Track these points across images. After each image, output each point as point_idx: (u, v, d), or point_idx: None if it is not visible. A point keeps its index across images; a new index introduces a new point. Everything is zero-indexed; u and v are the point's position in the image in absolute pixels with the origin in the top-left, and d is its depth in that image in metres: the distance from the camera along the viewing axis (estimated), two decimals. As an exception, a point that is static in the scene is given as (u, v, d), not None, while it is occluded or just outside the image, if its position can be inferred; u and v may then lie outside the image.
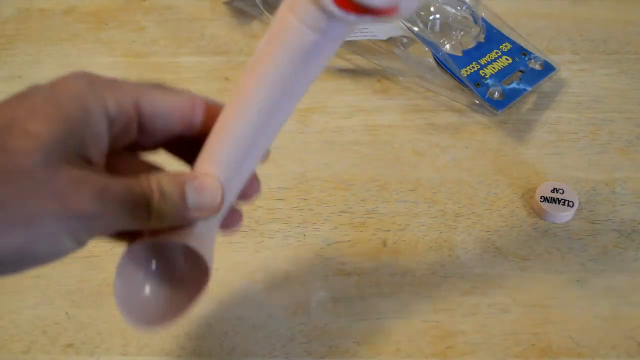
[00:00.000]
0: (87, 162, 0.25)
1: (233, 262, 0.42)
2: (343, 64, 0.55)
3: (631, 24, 0.58)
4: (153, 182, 0.26)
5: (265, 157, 0.31)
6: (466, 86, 0.49)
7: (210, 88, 0.53)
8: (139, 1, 0.61)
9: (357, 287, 0.41)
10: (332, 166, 0.47)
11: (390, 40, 0.52)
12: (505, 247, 0.43)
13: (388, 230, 0.43)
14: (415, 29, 0.52)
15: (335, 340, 0.38)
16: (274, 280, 0.41)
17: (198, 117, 0.29)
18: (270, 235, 0.43)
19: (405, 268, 0.42)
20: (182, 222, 0.27)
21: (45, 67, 0.55)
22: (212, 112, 0.29)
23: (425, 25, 0.52)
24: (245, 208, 0.45)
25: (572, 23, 0.58)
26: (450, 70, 0.50)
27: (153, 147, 0.30)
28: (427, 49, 0.51)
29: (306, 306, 0.40)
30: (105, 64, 0.55)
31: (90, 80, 0.27)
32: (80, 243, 0.25)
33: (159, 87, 0.28)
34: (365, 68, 0.54)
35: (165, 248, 0.30)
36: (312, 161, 0.48)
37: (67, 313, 0.40)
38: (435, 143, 0.49)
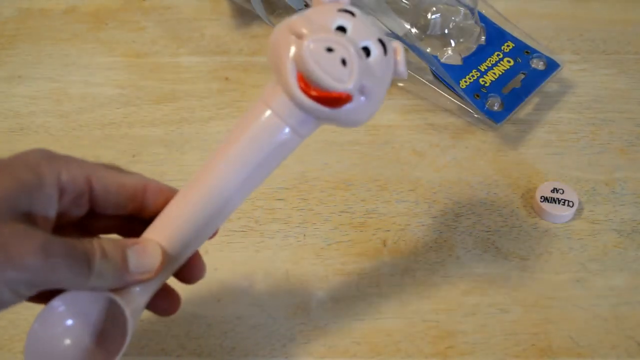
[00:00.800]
0: (34, 223, 0.26)
1: (233, 262, 0.42)
2: (343, 64, 0.55)
3: (631, 24, 0.58)
4: (95, 243, 0.27)
5: (213, 235, 0.32)
6: (464, 99, 0.49)
7: (210, 88, 0.53)
8: (139, 1, 0.61)
9: (357, 287, 0.41)
10: (332, 166, 0.47)
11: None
12: (505, 247, 0.43)
13: (388, 230, 0.43)
14: (414, 30, 0.52)
15: (335, 340, 0.38)
16: (274, 280, 0.41)
17: (149, 199, 0.30)
18: (270, 235, 0.43)
19: (405, 268, 0.42)
20: (122, 283, 0.28)
21: (45, 67, 0.55)
22: (163, 196, 0.30)
23: (426, 27, 0.52)
24: (245, 208, 0.45)
25: (572, 23, 0.58)
26: (448, 84, 0.49)
27: (104, 228, 0.31)
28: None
29: (306, 306, 0.40)
30: (105, 64, 0.55)
31: (48, 154, 0.28)
32: (20, 296, 0.26)
33: (113, 167, 0.30)
34: (365, 68, 0.54)
35: (88, 301, 0.30)
36: (312, 161, 0.48)
37: (67, 313, 0.40)
38: (435, 143, 0.49)
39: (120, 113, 0.51)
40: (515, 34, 0.53)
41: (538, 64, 0.51)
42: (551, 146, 0.49)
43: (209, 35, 0.57)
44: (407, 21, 0.52)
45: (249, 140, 0.30)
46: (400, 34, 0.50)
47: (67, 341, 0.30)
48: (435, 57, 0.51)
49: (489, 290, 0.41)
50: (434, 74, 0.50)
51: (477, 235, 0.43)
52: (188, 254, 0.31)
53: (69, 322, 0.30)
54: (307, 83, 0.28)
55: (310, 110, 0.28)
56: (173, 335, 0.39)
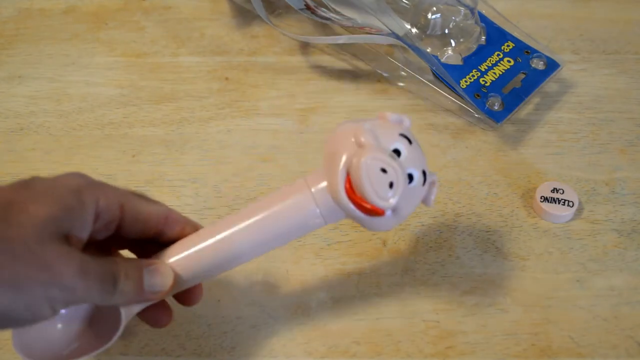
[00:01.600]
0: (69, 243, 0.29)
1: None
2: (343, 64, 0.55)
3: (631, 24, 0.58)
4: (120, 264, 0.30)
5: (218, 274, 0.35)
6: (464, 99, 0.49)
7: (210, 88, 0.53)
8: (139, 1, 0.61)
9: (357, 287, 0.41)
10: (332, 166, 0.47)
11: (391, 45, 0.52)
12: (505, 247, 0.43)
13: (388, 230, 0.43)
14: (414, 30, 0.52)
15: (335, 340, 0.38)
16: (274, 280, 0.41)
17: (168, 227, 0.33)
18: (270, 235, 0.43)
19: (405, 268, 0.42)
20: (137, 301, 0.32)
21: (45, 67, 0.55)
22: (180, 226, 0.34)
23: (426, 27, 0.52)
24: (245, 208, 0.45)
25: (572, 23, 0.58)
26: (448, 84, 0.49)
27: (119, 246, 0.34)
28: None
29: (306, 306, 0.40)
30: (105, 64, 0.55)
31: (88, 180, 0.31)
32: (55, 311, 0.28)
33: (141, 196, 0.33)
34: (365, 69, 0.54)
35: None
36: (312, 161, 0.48)
37: (67, 313, 0.40)
38: (435, 143, 0.49)
39: (120, 113, 0.51)
40: (516, 34, 0.53)
41: (538, 64, 0.51)
42: (551, 146, 0.49)
43: (209, 35, 0.57)
44: (407, 21, 0.52)
45: (280, 211, 0.33)
46: (401, 34, 0.50)
47: (59, 325, 0.32)
48: (436, 57, 0.51)
49: (489, 290, 0.41)
50: (434, 74, 0.50)
51: (477, 235, 0.43)
52: (192, 284, 0.34)
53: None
54: (352, 188, 0.31)
55: (344, 208, 0.32)
56: (173, 335, 0.39)
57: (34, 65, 0.55)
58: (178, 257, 0.33)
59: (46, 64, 0.55)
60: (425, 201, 0.34)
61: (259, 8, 0.55)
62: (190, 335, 0.39)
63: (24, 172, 0.47)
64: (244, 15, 0.59)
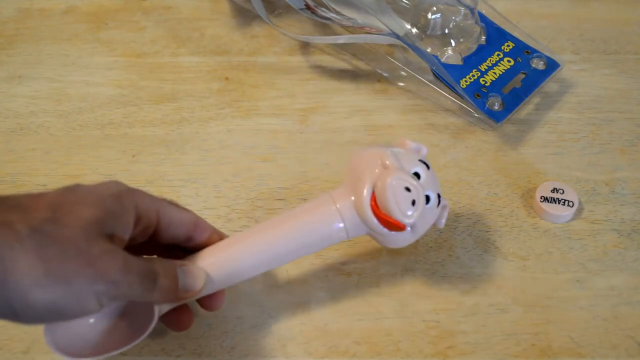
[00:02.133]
0: (113, 243, 0.31)
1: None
2: (343, 64, 0.55)
3: (631, 24, 0.58)
4: (157, 263, 0.32)
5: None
6: (464, 98, 0.49)
7: (210, 88, 0.53)
8: (139, 1, 0.61)
9: (357, 287, 0.41)
10: (332, 166, 0.47)
11: (391, 44, 0.52)
12: (505, 247, 0.43)
13: (388, 230, 0.43)
14: (414, 30, 0.52)
15: (335, 340, 0.38)
16: (274, 280, 0.41)
17: (197, 233, 0.35)
18: (270, 235, 0.43)
19: (405, 268, 0.42)
20: (173, 299, 0.33)
21: (45, 67, 0.55)
22: (208, 233, 0.36)
23: (426, 27, 0.52)
24: (245, 208, 0.45)
25: (572, 23, 0.58)
26: (448, 83, 0.49)
27: (151, 253, 0.36)
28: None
29: (306, 306, 0.40)
30: (105, 64, 0.55)
31: (127, 187, 0.33)
32: (101, 305, 0.29)
33: (173, 203, 0.35)
34: (365, 68, 0.54)
35: None
36: (312, 161, 0.48)
37: (67, 313, 0.40)
38: (435, 143, 0.49)
39: (120, 113, 0.51)
40: (516, 33, 0.53)
41: (538, 64, 0.51)
42: (551, 146, 0.49)
43: (209, 35, 0.57)
44: (407, 21, 0.52)
45: (306, 224, 0.36)
46: (401, 34, 0.50)
47: (91, 320, 0.34)
48: (436, 56, 0.51)
49: (489, 290, 0.41)
50: (434, 74, 0.50)
51: (477, 235, 0.43)
52: (217, 288, 0.35)
53: None
54: (377, 204, 0.34)
55: (369, 223, 0.35)
56: (173, 335, 0.39)
57: (34, 65, 0.55)
58: (207, 262, 0.35)
59: (46, 64, 0.55)
60: (437, 222, 0.37)
61: (259, 8, 0.55)
62: (190, 335, 0.39)
63: (24, 172, 0.47)
64: (244, 15, 0.59)
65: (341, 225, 0.35)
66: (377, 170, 0.35)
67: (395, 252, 0.42)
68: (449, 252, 0.42)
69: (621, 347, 0.38)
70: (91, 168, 0.47)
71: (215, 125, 0.50)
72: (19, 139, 0.49)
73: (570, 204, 0.44)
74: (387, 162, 0.35)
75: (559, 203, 0.44)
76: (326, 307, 0.40)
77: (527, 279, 0.41)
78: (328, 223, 0.35)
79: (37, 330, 0.39)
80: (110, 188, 0.32)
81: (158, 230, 0.34)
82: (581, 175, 0.47)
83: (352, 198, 0.35)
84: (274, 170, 0.47)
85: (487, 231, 0.44)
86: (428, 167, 0.36)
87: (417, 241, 0.43)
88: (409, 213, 0.34)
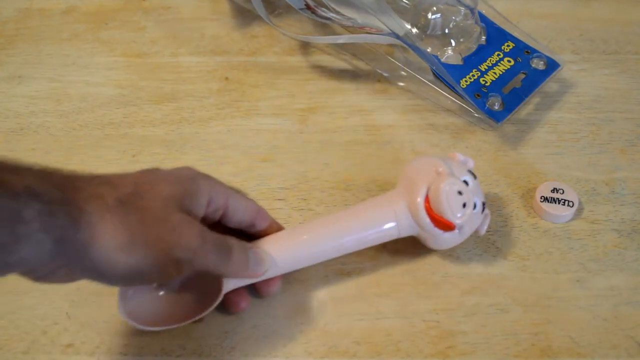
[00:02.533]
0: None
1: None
2: (343, 64, 0.55)
3: (631, 24, 0.58)
4: (230, 239, 0.35)
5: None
6: (465, 98, 0.49)
7: (210, 88, 0.53)
8: (139, 1, 0.61)
9: (357, 287, 0.41)
10: (332, 166, 0.47)
11: (391, 44, 0.52)
12: (505, 247, 0.43)
13: (388, 230, 0.43)
14: (414, 30, 0.52)
15: (335, 340, 0.38)
16: (274, 280, 0.41)
17: (258, 221, 0.38)
18: (270, 235, 0.43)
19: (405, 268, 0.42)
20: (243, 275, 0.36)
21: (45, 67, 0.55)
22: (267, 221, 0.39)
23: (426, 27, 0.52)
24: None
25: (572, 23, 0.58)
26: (448, 83, 0.49)
27: (220, 232, 0.38)
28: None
29: (306, 306, 0.40)
30: (105, 64, 0.55)
31: (200, 172, 0.36)
32: (179, 272, 0.33)
33: (240, 191, 0.38)
34: (365, 68, 0.54)
35: None
36: (312, 161, 0.48)
37: (67, 313, 0.40)
38: (435, 143, 0.49)
39: (120, 113, 0.51)
40: (516, 33, 0.53)
41: (538, 64, 0.51)
42: (551, 146, 0.49)
43: (209, 35, 0.57)
44: (407, 21, 0.52)
45: (364, 219, 0.39)
46: (401, 33, 0.50)
47: (160, 293, 0.38)
48: (436, 56, 0.51)
49: (489, 290, 0.41)
50: (434, 74, 0.50)
51: (477, 235, 0.43)
52: (276, 273, 0.38)
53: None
54: (431, 206, 0.38)
55: (421, 222, 0.38)
56: (173, 335, 0.39)
57: (34, 65, 0.55)
58: (271, 247, 0.38)
59: (46, 64, 0.55)
60: (479, 228, 0.40)
61: (259, 8, 0.55)
62: (190, 335, 0.39)
63: (24, 172, 0.47)
64: (244, 15, 0.59)
65: (393, 225, 0.39)
66: (431, 177, 0.39)
67: (395, 252, 0.42)
68: (449, 252, 0.42)
69: (621, 347, 0.38)
70: (91, 168, 0.47)
71: (215, 125, 0.50)
72: (19, 139, 0.49)
73: (570, 204, 0.44)
74: (440, 170, 0.39)
75: (559, 203, 0.44)
76: (326, 307, 0.40)
77: (527, 279, 0.41)
78: (383, 223, 0.39)
79: (37, 330, 0.39)
80: (187, 171, 0.36)
81: (225, 214, 0.37)
82: (581, 175, 0.47)
83: (407, 200, 0.39)
84: (274, 170, 0.47)
85: (487, 231, 0.43)
86: (475, 177, 0.40)
87: (417, 241, 0.43)
88: (459, 214, 0.38)
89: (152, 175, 0.34)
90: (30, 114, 0.51)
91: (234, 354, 0.38)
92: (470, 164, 0.41)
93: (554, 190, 0.44)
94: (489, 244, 0.43)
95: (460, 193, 0.38)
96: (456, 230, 0.39)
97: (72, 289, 0.40)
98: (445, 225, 0.38)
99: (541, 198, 0.44)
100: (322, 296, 0.40)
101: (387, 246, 0.43)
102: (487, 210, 0.40)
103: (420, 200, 0.38)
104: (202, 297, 0.37)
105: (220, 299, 0.36)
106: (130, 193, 0.32)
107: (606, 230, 0.44)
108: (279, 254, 0.38)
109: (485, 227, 0.40)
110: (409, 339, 0.38)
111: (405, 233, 0.40)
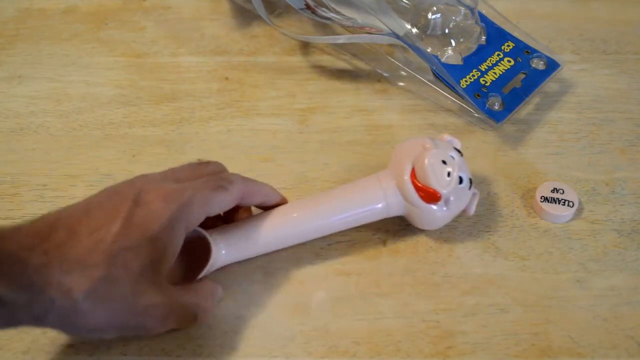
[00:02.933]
0: None
1: (233, 262, 0.42)
2: (343, 64, 0.55)
3: (631, 24, 0.58)
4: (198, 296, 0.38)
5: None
6: (465, 98, 0.49)
7: (210, 88, 0.53)
8: (139, 1, 0.61)
9: (357, 287, 0.41)
10: (332, 166, 0.47)
11: (391, 44, 0.52)
12: (505, 247, 0.43)
13: (388, 231, 0.43)
14: (414, 30, 0.52)
15: (335, 340, 0.38)
16: (274, 280, 0.41)
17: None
18: (270, 235, 0.43)
19: (405, 268, 0.42)
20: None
21: (45, 67, 0.55)
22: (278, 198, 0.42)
23: (426, 27, 0.52)
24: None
25: (572, 23, 0.58)
26: (448, 83, 0.49)
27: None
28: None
29: (306, 306, 0.40)
30: (105, 64, 0.55)
31: (179, 207, 0.36)
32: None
33: (249, 180, 0.41)
34: (365, 68, 0.54)
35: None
36: (312, 161, 0.48)
37: (67, 313, 0.40)
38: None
39: (120, 113, 0.51)
40: (516, 33, 0.53)
41: (538, 64, 0.51)
42: (551, 146, 0.49)
43: (209, 35, 0.57)
44: (407, 21, 0.52)
45: (353, 197, 0.41)
46: (401, 33, 0.50)
47: None
48: (436, 56, 0.51)
49: (489, 290, 0.41)
50: (434, 74, 0.50)
51: (477, 235, 0.43)
52: (268, 250, 0.41)
53: None
54: (416, 176, 0.39)
55: (407, 194, 0.39)
56: (173, 335, 0.39)
57: (34, 65, 0.55)
58: (262, 225, 0.40)
59: (46, 64, 0.55)
60: (467, 208, 0.41)
61: (259, 8, 0.55)
62: (190, 335, 0.39)
63: (24, 172, 0.47)
64: (244, 15, 0.59)
65: (382, 203, 0.40)
66: (417, 151, 0.40)
67: (395, 252, 0.42)
68: (449, 252, 0.42)
69: (621, 347, 0.38)
70: (91, 168, 0.47)
71: (215, 125, 0.50)
72: (19, 139, 0.49)
73: (570, 204, 0.44)
74: (427, 145, 0.40)
75: (559, 203, 0.44)
76: (326, 307, 0.40)
77: (527, 279, 0.41)
78: (372, 199, 0.40)
79: (37, 330, 0.39)
80: (160, 217, 0.34)
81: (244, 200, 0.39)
82: (581, 175, 0.47)
83: (395, 177, 0.40)
84: (274, 170, 0.47)
85: (487, 231, 0.44)
86: (461, 154, 0.41)
87: (417, 241, 0.43)
88: (445, 183, 0.39)
89: (126, 240, 0.33)
90: (30, 114, 0.51)
91: (234, 354, 0.38)
92: (457, 144, 0.42)
93: (554, 190, 0.44)
94: (489, 244, 0.43)
95: (444, 162, 0.39)
96: (443, 203, 0.39)
97: (72, 289, 0.40)
98: (431, 195, 0.39)
99: (541, 198, 0.44)
100: (322, 296, 0.40)
101: (387, 246, 0.43)
102: (475, 190, 0.41)
103: (407, 174, 0.39)
104: (192, 269, 0.39)
105: (208, 267, 0.38)
106: (100, 279, 0.32)
107: (606, 230, 0.43)
108: (270, 231, 0.40)
109: (474, 207, 0.41)
110: (409, 339, 0.38)
111: (394, 211, 0.41)
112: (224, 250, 0.39)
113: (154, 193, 0.35)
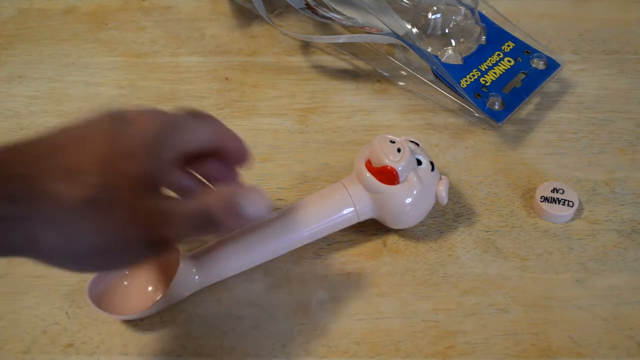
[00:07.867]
0: None
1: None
2: (343, 64, 0.55)
3: (631, 24, 0.58)
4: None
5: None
6: (465, 98, 0.49)
7: (210, 88, 0.53)
8: (139, 1, 0.61)
9: (357, 287, 0.41)
10: (332, 166, 0.47)
11: (392, 44, 0.52)
12: (505, 247, 0.43)
13: (388, 231, 0.43)
14: (415, 30, 0.52)
15: (335, 340, 0.38)
16: (274, 280, 0.41)
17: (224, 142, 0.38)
18: (270, 235, 0.43)
19: (405, 268, 0.42)
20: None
21: (45, 67, 0.55)
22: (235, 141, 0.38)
23: (426, 27, 0.52)
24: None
25: (572, 23, 0.58)
26: (449, 83, 0.49)
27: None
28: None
29: (306, 306, 0.40)
30: (105, 64, 0.55)
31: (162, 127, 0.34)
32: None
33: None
34: (365, 68, 0.54)
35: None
36: (312, 161, 0.48)
37: (67, 313, 0.40)
38: (435, 143, 0.49)
39: (120, 113, 0.51)
40: (516, 33, 0.53)
41: (538, 64, 0.51)
42: (551, 146, 0.49)
43: (209, 35, 0.57)
44: (407, 21, 0.52)
45: (323, 206, 0.41)
46: (401, 33, 0.50)
47: (125, 282, 0.40)
48: (436, 56, 0.51)
49: (489, 290, 0.41)
50: (434, 74, 0.50)
51: (477, 235, 0.43)
52: (239, 269, 0.40)
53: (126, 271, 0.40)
54: (370, 163, 0.40)
55: (367, 183, 0.40)
56: (173, 335, 0.39)
57: (34, 65, 0.55)
58: (231, 245, 0.40)
59: (46, 64, 0.55)
60: (438, 197, 0.41)
61: (259, 7, 0.55)
62: (190, 335, 0.39)
63: (24, 172, 0.47)
64: (244, 15, 0.59)
65: (351, 209, 0.40)
66: (368, 146, 0.41)
67: (395, 252, 0.42)
68: (449, 252, 0.42)
69: (621, 347, 0.38)
70: (91, 168, 0.47)
71: (215, 125, 0.50)
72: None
73: (570, 204, 0.44)
74: (376, 140, 0.40)
75: (559, 203, 0.44)
76: (326, 307, 0.40)
77: (527, 279, 0.41)
78: (342, 205, 0.40)
79: (37, 330, 0.39)
80: (148, 130, 0.32)
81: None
82: (581, 175, 0.47)
83: (357, 176, 0.40)
84: (274, 170, 0.47)
85: (487, 231, 0.44)
86: (418, 145, 0.42)
87: (417, 241, 0.43)
88: (397, 157, 0.39)
89: (119, 144, 0.31)
90: (30, 114, 0.51)
91: (234, 354, 0.38)
92: (412, 138, 0.43)
93: (554, 190, 0.44)
94: (489, 244, 0.43)
95: (392, 142, 0.40)
96: (406, 186, 0.39)
97: (72, 289, 0.40)
98: (388, 173, 0.39)
99: (541, 198, 0.44)
100: (322, 296, 0.40)
101: (387, 246, 0.43)
102: (443, 176, 0.41)
103: (361, 163, 0.40)
104: (162, 279, 0.40)
105: (177, 275, 0.38)
106: (96, 185, 0.29)
107: (606, 230, 0.44)
108: (241, 250, 0.39)
109: (445, 195, 0.40)
110: (409, 339, 0.38)
111: (363, 211, 0.41)
112: (197, 274, 0.39)
113: (137, 112, 0.33)
